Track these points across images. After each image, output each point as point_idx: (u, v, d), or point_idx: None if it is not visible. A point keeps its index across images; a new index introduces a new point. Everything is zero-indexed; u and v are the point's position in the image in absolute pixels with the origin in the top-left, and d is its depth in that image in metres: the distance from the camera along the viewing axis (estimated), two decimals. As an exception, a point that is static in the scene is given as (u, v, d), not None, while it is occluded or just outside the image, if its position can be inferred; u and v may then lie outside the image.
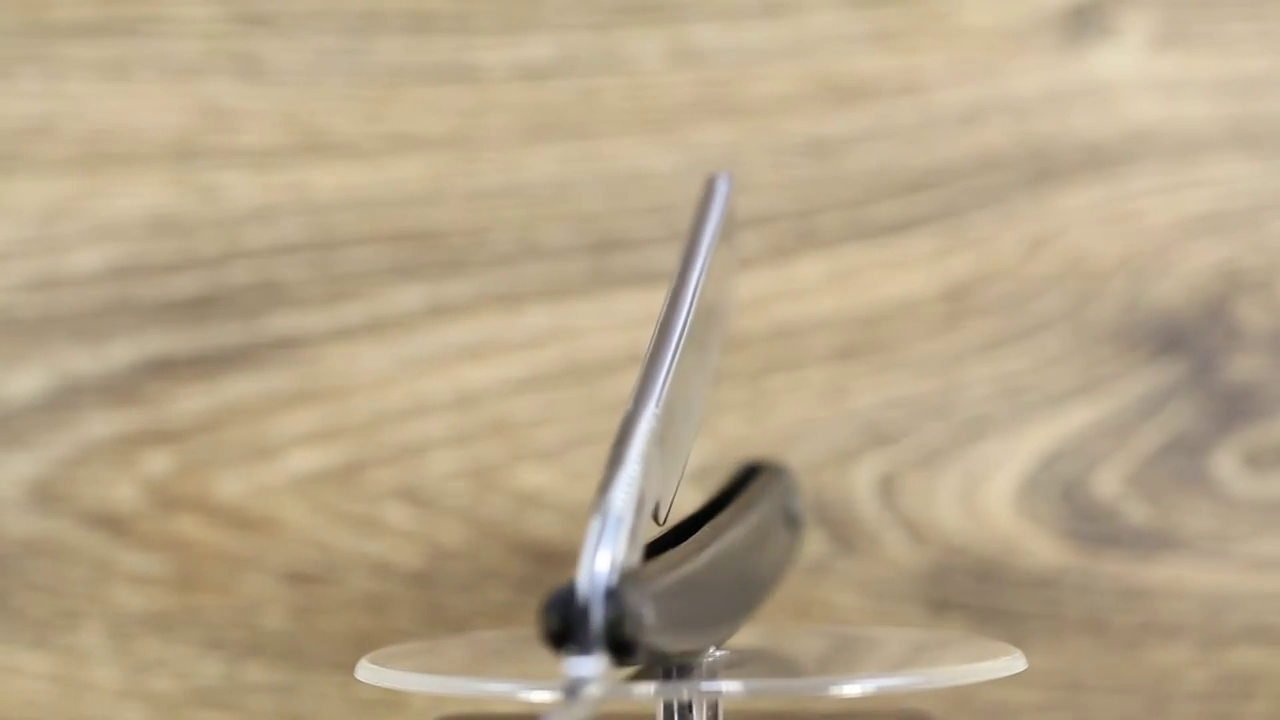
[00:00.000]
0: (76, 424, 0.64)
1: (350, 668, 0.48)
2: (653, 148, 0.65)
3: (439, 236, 0.64)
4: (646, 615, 0.37)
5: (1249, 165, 0.65)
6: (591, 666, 0.36)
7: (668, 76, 0.65)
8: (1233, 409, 0.64)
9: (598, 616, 0.37)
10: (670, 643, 0.39)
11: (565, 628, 0.37)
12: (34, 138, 0.64)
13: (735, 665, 0.46)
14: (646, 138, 0.65)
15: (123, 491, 0.64)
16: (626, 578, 0.37)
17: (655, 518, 0.42)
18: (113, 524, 0.64)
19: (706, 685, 0.44)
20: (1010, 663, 0.46)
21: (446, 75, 0.65)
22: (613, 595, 0.37)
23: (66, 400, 0.64)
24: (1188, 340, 0.64)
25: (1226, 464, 0.64)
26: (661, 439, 0.42)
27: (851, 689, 0.43)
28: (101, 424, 0.64)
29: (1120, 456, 0.64)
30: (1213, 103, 0.65)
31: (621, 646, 0.37)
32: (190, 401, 0.64)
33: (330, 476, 0.64)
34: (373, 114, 0.65)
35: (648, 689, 0.44)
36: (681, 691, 0.44)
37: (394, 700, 0.63)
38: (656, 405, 0.42)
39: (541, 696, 0.43)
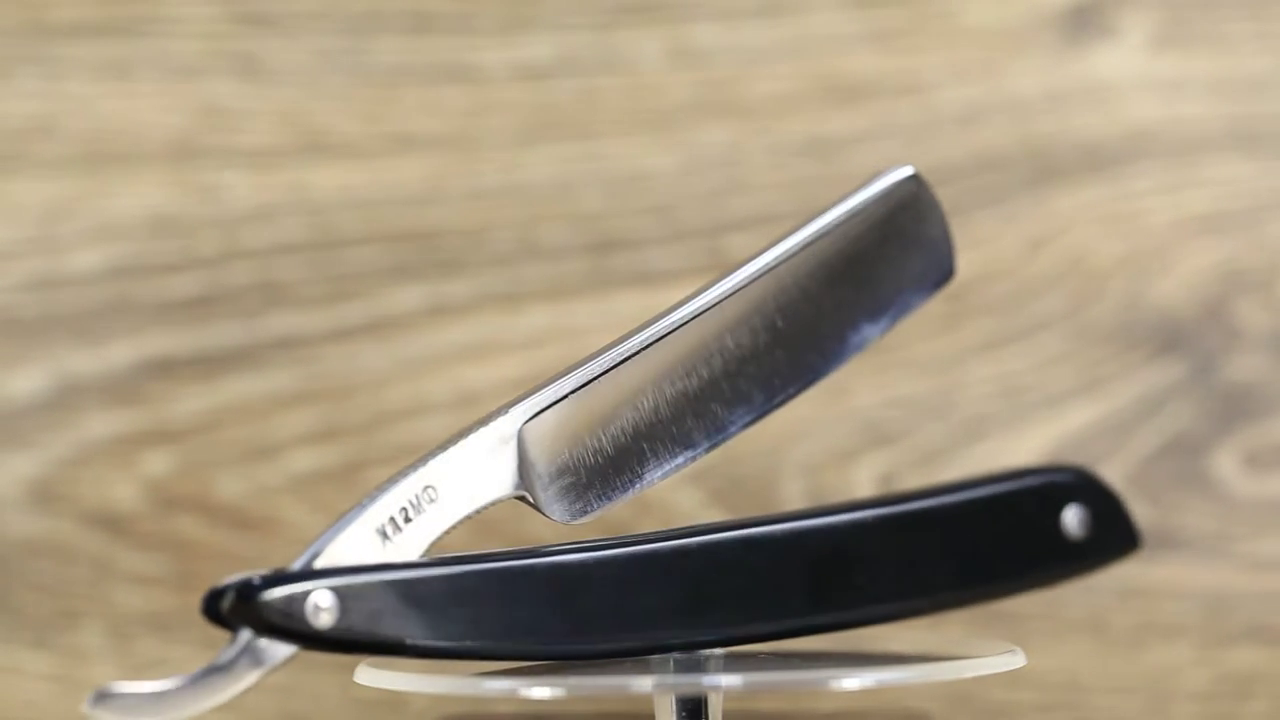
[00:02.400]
0: (76, 424, 0.64)
1: (350, 668, 0.48)
2: (653, 148, 0.65)
3: (439, 236, 0.64)
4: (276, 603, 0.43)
5: (1249, 165, 0.65)
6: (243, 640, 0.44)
7: (668, 76, 0.65)
8: (1233, 409, 0.64)
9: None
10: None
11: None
12: (34, 138, 0.64)
13: (735, 663, 0.46)
14: (646, 138, 0.65)
15: (123, 491, 0.64)
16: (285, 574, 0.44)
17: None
18: (113, 524, 0.64)
19: (707, 679, 0.44)
20: (1008, 659, 0.46)
21: (446, 75, 0.65)
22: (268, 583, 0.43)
23: (66, 400, 0.64)
24: (1188, 340, 0.64)
25: (1226, 464, 0.64)
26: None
27: (850, 682, 0.43)
28: (101, 424, 0.64)
29: (1120, 456, 0.64)
30: (1213, 103, 0.65)
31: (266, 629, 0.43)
32: (190, 401, 0.64)
33: (330, 476, 0.64)
34: (373, 114, 0.65)
35: (646, 682, 0.44)
36: (680, 685, 0.44)
37: (394, 700, 0.63)
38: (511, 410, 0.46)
39: (541, 693, 0.43)
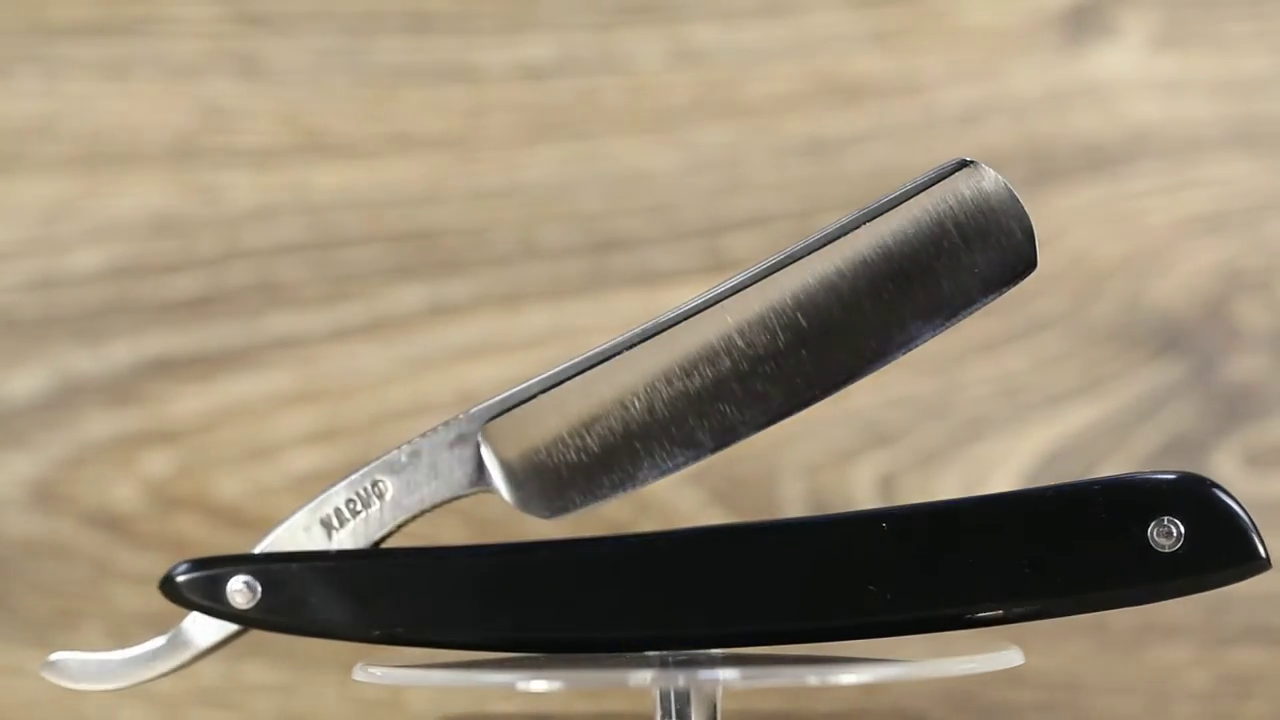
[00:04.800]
0: (76, 424, 0.64)
1: (349, 667, 0.48)
2: (653, 148, 0.65)
3: (439, 236, 0.64)
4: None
5: (1249, 165, 0.65)
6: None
7: (668, 76, 0.65)
8: (1233, 409, 0.64)
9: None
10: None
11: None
12: (34, 138, 0.64)
13: (734, 659, 0.46)
14: (646, 138, 0.65)
15: (123, 491, 0.64)
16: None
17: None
18: (113, 524, 0.64)
19: (704, 673, 0.44)
20: (1007, 656, 0.46)
21: (446, 75, 0.65)
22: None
23: (66, 400, 0.64)
24: (1188, 340, 0.64)
25: (1226, 464, 0.64)
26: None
27: (848, 678, 0.43)
28: (101, 424, 0.64)
29: (1120, 456, 0.64)
30: (1213, 103, 0.65)
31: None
32: (190, 401, 0.64)
33: (330, 476, 0.64)
34: (373, 114, 0.65)
35: (644, 676, 0.44)
36: (678, 679, 0.44)
37: (394, 700, 0.63)
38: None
39: (540, 686, 0.43)
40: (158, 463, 0.64)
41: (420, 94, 0.65)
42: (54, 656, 0.50)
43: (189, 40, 0.65)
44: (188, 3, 0.65)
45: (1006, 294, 0.64)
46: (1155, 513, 0.44)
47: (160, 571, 0.64)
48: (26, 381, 0.64)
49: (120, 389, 0.64)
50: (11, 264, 0.64)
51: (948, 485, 0.64)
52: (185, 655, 0.50)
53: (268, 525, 0.64)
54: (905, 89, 0.65)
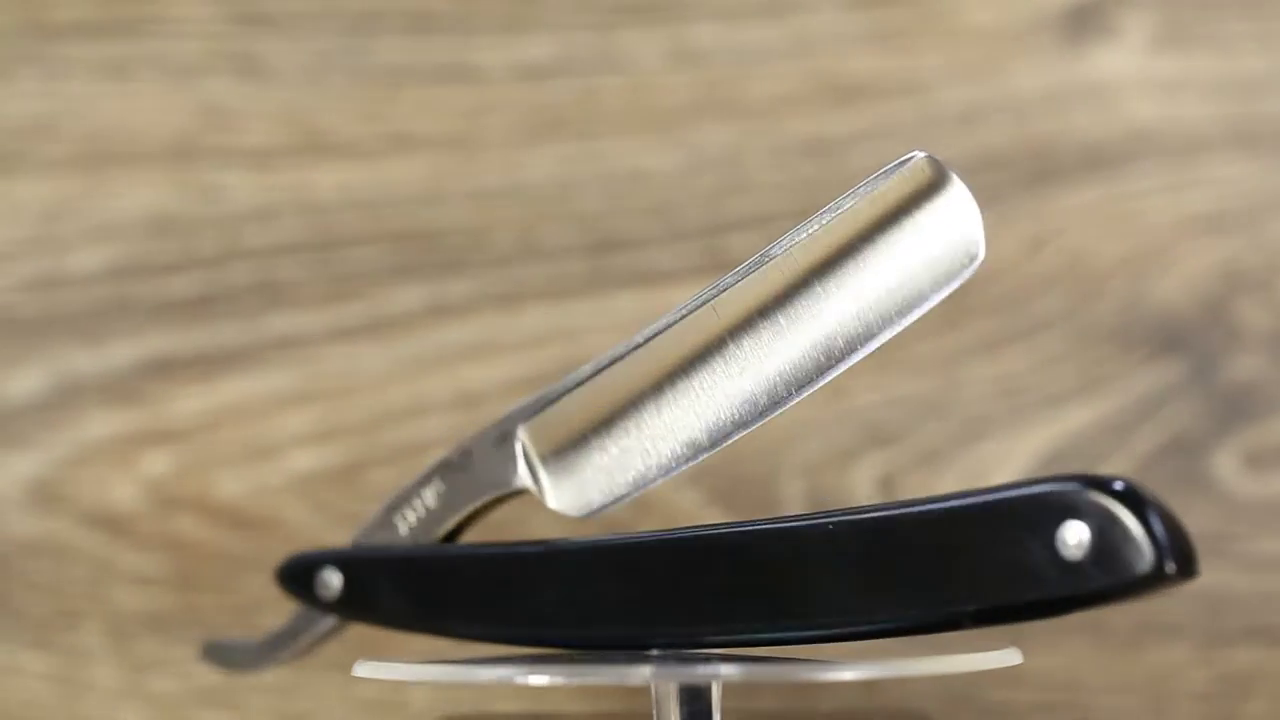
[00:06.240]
0: (76, 424, 0.64)
1: (349, 667, 0.48)
2: (653, 148, 0.65)
3: (439, 236, 0.64)
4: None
5: (1249, 165, 0.65)
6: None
7: (668, 76, 0.65)
8: (1233, 409, 0.64)
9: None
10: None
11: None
12: (34, 138, 0.64)
13: (733, 657, 0.46)
14: (646, 138, 0.65)
15: (123, 491, 0.64)
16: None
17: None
18: (113, 524, 0.64)
19: (704, 668, 0.44)
20: (1005, 655, 0.46)
21: (446, 75, 0.65)
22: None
23: (66, 400, 0.64)
24: (1188, 340, 0.64)
25: (1226, 464, 0.64)
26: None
27: (847, 674, 0.44)
28: (101, 424, 0.64)
29: (1120, 456, 0.64)
30: (1213, 103, 0.65)
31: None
32: (190, 401, 0.64)
33: (330, 476, 0.64)
34: (373, 114, 0.65)
35: (643, 672, 0.44)
36: (676, 676, 0.45)
37: (394, 700, 0.63)
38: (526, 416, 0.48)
39: (539, 680, 0.44)
40: (158, 463, 0.64)
41: (420, 94, 0.65)
42: (212, 641, 0.54)
43: (189, 40, 0.65)
44: (188, 3, 0.65)
45: (1003, 294, 0.65)
46: (1062, 520, 0.42)
47: (160, 571, 0.64)
48: (26, 381, 0.64)
49: (120, 389, 0.64)
50: (11, 264, 0.64)
51: (948, 485, 0.64)
52: (302, 642, 0.52)
53: (268, 525, 0.64)
54: (905, 89, 0.65)
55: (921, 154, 0.45)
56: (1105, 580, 0.42)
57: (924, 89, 0.65)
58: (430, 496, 0.50)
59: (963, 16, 0.65)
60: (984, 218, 0.65)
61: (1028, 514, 0.43)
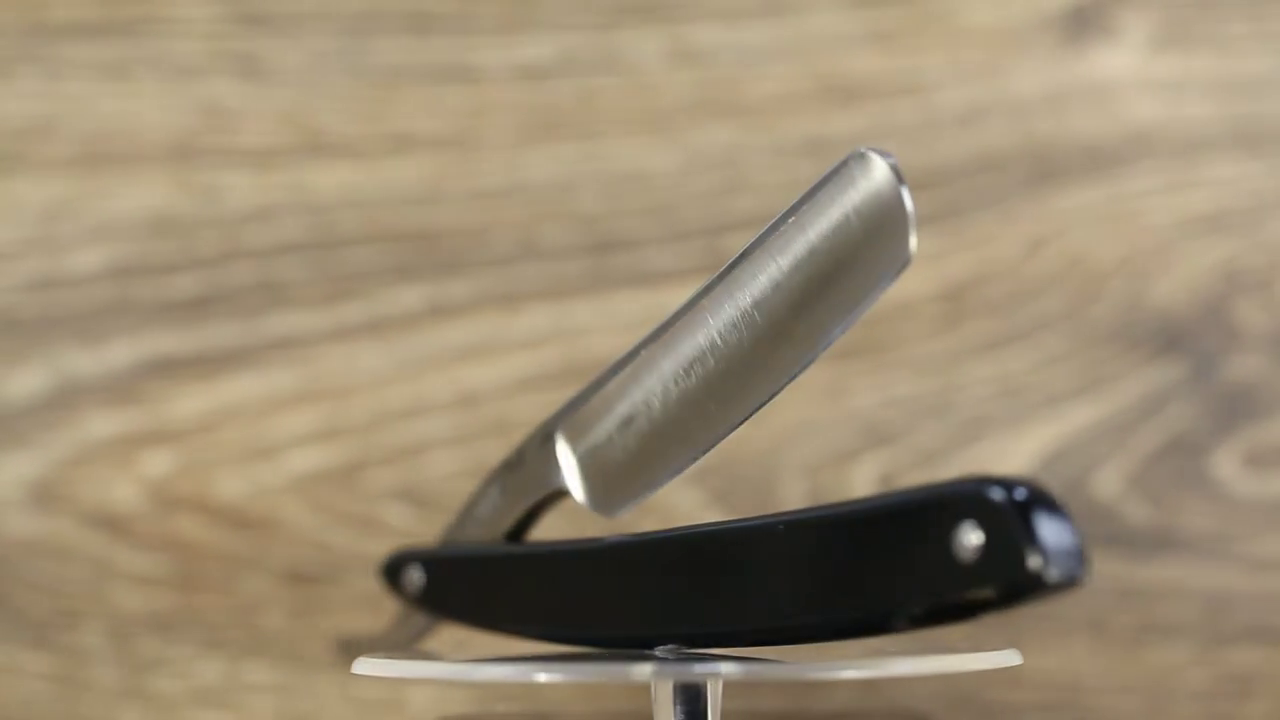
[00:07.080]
0: (76, 424, 0.64)
1: (348, 666, 0.48)
2: (653, 148, 0.65)
3: (439, 236, 0.64)
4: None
5: (1249, 165, 0.65)
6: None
7: (668, 76, 0.65)
8: (1233, 409, 0.64)
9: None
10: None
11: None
12: (34, 138, 0.64)
13: (734, 658, 0.46)
14: (646, 138, 0.65)
15: (123, 491, 0.64)
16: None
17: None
18: (113, 524, 0.64)
19: (703, 666, 0.44)
20: (1005, 655, 0.46)
21: (446, 75, 0.65)
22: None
23: (66, 400, 0.64)
24: (1188, 340, 0.64)
25: (1226, 464, 0.64)
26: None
27: (847, 674, 0.44)
28: (101, 424, 0.64)
29: (1120, 456, 0.64)
30: (1213, 103, 0.65)
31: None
32: (190, 401, 0.64)
33: (330, 476, 0.64)
34: (373, 114, 0.65)
35: (645, 669, 0.44)
36: (676, 673, 0.45)
37: (394, 700, 0.63)
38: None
39: (542, 678, 0.44)
40: (158, 463, 0.64)
41: (420, 94, 0.65)
42: (347, 639, 0.57)
43: (189, 40, 0.65)
44: (188, 3, 0.65)
45: (1003, 294, 0.65)
46: (959, 521, 0.42)
47: (160, 571, 0.64)
48: (26, 381, 0.64)
49: (120, 389, 0.64)
50: (11, 264, 0.64)
51: (948, 485, 0.64)
52: (418, 628, 0.54)
53: (268, 525, 0.64)
54: (905, 89, 0.65)
55: (863, 149, 0.44)
56: (992, 583, 0.41)
57: (924, 89, 0.65)
58: (495, 495, 0.51)
59: (963, 16, 0.65)
60: (983, 218, 0.65)
61: (929, 515, 0.42)
